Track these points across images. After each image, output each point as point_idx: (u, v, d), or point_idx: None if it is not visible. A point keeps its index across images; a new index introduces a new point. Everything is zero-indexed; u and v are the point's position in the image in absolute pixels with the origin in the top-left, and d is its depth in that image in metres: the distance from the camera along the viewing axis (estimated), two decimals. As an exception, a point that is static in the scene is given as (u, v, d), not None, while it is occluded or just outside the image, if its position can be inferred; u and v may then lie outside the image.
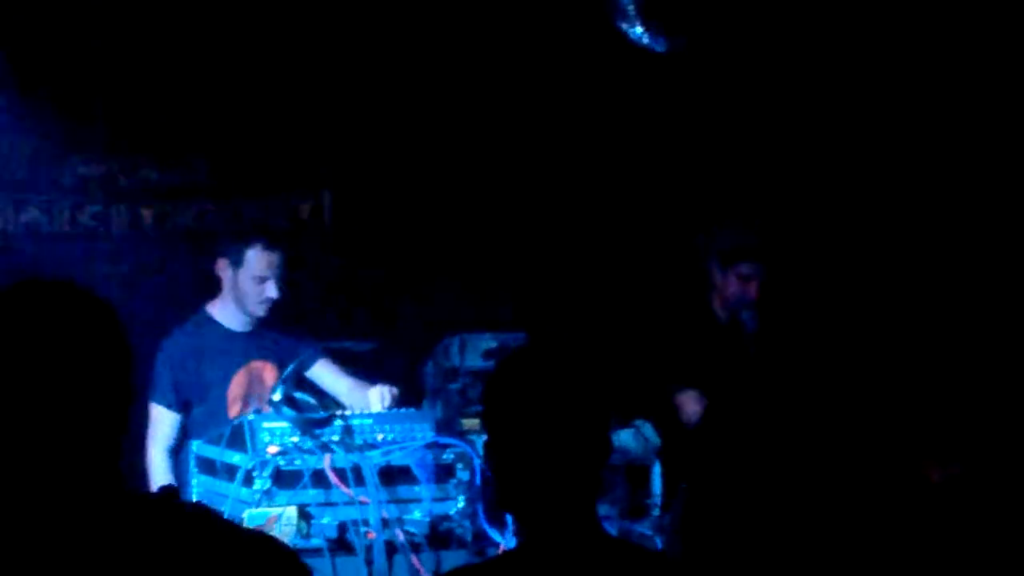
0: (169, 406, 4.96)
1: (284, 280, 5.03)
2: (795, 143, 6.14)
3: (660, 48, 5.52)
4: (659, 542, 4.08)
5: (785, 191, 6.09)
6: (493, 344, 4.36)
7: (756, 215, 5.40)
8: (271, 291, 5.00)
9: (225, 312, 5.08)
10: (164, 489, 1.93)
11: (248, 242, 5.05)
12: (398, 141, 6.26)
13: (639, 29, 5.50)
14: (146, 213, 6.14)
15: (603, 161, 6.29)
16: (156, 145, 6.12)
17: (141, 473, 4.87)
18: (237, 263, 5.01)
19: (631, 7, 5.46)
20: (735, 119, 6.17)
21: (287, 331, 5.12)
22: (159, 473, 4.85)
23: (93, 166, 6.06)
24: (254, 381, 4.99)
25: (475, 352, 4.36)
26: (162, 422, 4.95)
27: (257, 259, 5.00)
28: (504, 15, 6.09)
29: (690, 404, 4.97)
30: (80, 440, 1.83)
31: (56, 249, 5.98)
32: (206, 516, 1.90)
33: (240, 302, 5.03)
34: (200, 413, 4.94)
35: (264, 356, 5.04)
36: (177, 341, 5.05)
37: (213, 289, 5.13)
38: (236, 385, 4.98)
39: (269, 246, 5.04)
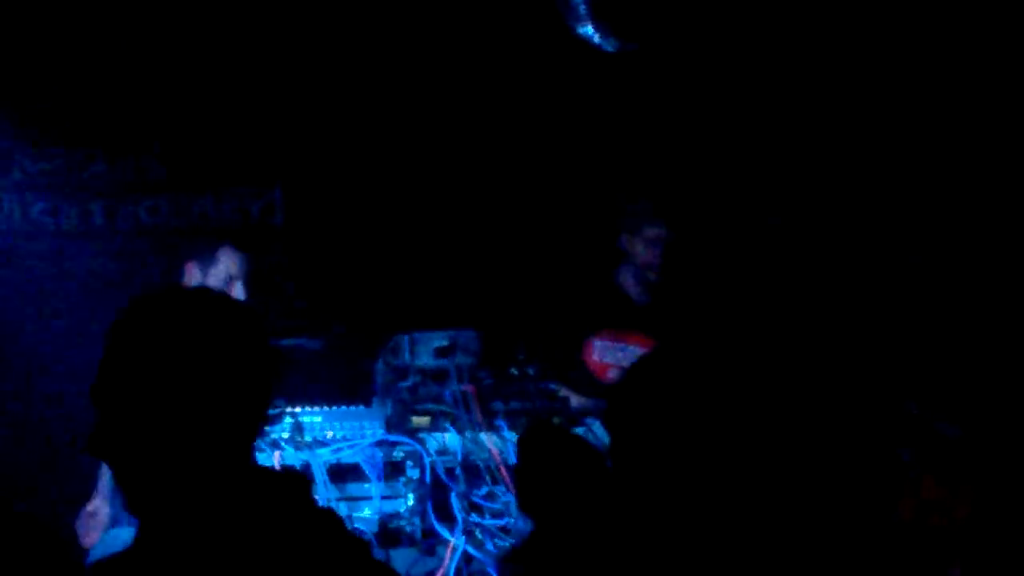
0: None
1: (248, 283, 5.04)
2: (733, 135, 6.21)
3: (610, 48, 5.56)
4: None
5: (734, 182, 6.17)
6: (444, 342, 4.37)
7: (661, 189, 5.47)
8: (238, 292, 5.02)
9: None
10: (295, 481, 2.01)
11: (219, 243, 5.06)
12: (349, 139, 6.26)
13: (590, 28, 5.53)
14: (96, 209, 6.11)
15: (551, 157, 6.32)
16: (107, 140, 6.09)
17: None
18: (207, 264, 5.02)
19: (582, 6, 5.48)
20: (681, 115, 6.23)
21: None
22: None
23: (43, 161, 6.03)
24: None
25: (425, 350, 4.36)
26: None
27: (227, 259, 5.02)
28: (455, 13, 6.10)
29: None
30: (228, 438, 1.93)
31: (4, 245, 5.96)
32: (339, 526, 1.99)
33: None
34: None
35: None
36: None
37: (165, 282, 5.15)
38: None
39: (237, 248, 5.06)
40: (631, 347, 5.17)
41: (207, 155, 6.19)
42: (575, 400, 4.61)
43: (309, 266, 6.23)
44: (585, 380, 5.07)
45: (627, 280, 5.33)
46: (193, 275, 5.08)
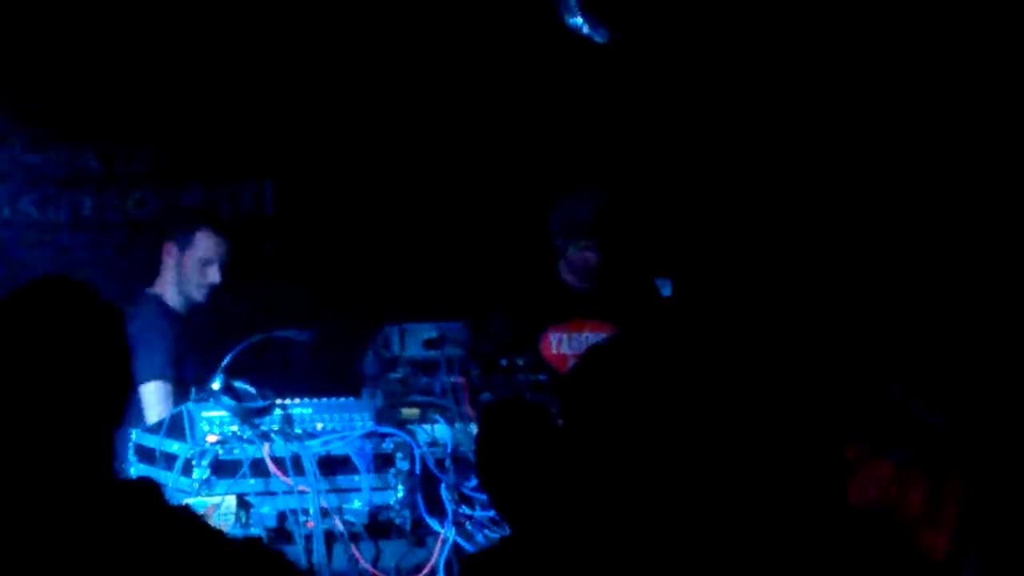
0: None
1: (226, 268, 5.04)
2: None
3: (600, 39, 5.56)
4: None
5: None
6: (433, 333, 4.37)
7: (598, 189, 5.43)
8: (213, 275, 5.03)
9: (168, 295, 5.11)
10: (144, 481, 1.98)
11: (197, 225, 5.07)
12: (339, 130, 6.26)
13: (579, 19, 5.53)
14: (85, 201, 6.10)
15: (540, 150, 6.32)
16: (96, 133, 6.08)
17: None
18: (184, 245, 5.04)
19: None
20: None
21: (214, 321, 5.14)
22: None
23: (32, 153, 6.02)
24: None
25: (415, 341, 4.36)
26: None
27: (204, 241, 5.03)
28: (445, 4, 6.10)
29: None
30: (78, 430, 1.91)
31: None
32: (191, 517, 1.98)
33: (182, 285, 5.05)
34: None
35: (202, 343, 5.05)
36: (132, 321, 5.05)
37: (151, 275, 5.15)
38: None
39: (216, 231, 5.07)
40: (585, 334, 5.19)
41: (197, 147, 6.19)
42: None
43: (299, 257, 6.23)
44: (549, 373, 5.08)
45: (567, 274, 5.32)
46: (172, 255, 5.09)
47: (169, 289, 5.11)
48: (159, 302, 5.13)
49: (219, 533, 1.98)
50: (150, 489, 1.92)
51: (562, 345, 5.22)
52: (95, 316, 1.98)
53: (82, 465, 1.89)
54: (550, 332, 5.23)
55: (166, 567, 1.82)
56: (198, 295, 5.07)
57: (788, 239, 6.03)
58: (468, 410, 4.24)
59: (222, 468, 3.90)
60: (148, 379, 4.94)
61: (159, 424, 4.22)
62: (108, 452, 1.97)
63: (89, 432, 1.91)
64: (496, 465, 3.27)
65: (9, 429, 1.88)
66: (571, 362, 5.07)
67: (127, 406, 2.00)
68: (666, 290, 5.39)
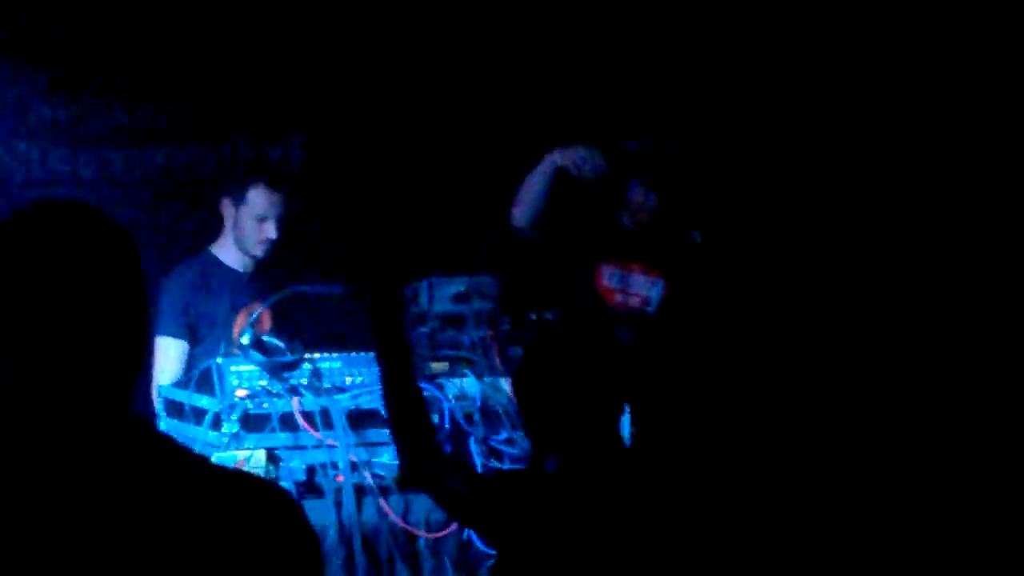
0: (177, 336, 4.97)
1: (283, 222, 5.03)
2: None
3: None
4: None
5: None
6: (462, 288, 4.36)
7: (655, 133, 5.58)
8: (270, 231, 5.02)
9: (227, 253, 5.11)
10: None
11: (250, 181, 5.05)
12: (370, 85, 6.23)
13: None
14: (115, 156, 6.10)
15: (568, 94, 6.30)
16: (126, 89, 6.07)
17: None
18: (239, 201, 5.02)
19: None
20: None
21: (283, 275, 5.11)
22: None
23: (61, 110, 6.01)
24: None
25: (444, 296, 4.35)
26: (168, 354, 4.95)
27: (258, 198, 5.01)
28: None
29: None
30: (94, 371, 1.75)
31: (26, 195, 5.95)
32: (205, 463, 1.86)
33: (240, 242, 5.05)
34: (200, 352, 4.92)
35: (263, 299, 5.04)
36: (182, 275, 5.07)
37: (213, 232, 5.15)
38: (237, 327, 4.98)
39: (271, 186, 5.04)
40: (635, 275, 5.47)
41: (225, 101, 6.17)
42: None
43: (328, 211, 6.21)
44: (599, 308, 5.38)
45: (624, 216, 5.50)
46: (228, 211, 5.08)
47: (228, 246, 5.10)
48: (212, 260, 5.12)
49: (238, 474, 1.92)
50: (168, 440, 1.82)
51: (613, 279, 5.46)
52: (109, 238, 1.79)
53: (99, 406, 1.76)
54: (603, 265, 5.46)
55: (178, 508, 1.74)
56: (258, 251, 5.06)
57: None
58: (497, 364, 4.24)
59: (251, 422, 3.92)
60: (162, 334, 4.95)
61: (188, 378, 4.23)
62: (125, 393, 1.79)
63: (104, 369, 1.76)
64: (537, 379, 3.25)
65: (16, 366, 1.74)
66: (617, 297, 5.44)
67: (146, 348, 1.83)
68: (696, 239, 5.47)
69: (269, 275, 5.11)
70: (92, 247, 1.77)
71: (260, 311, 4.46)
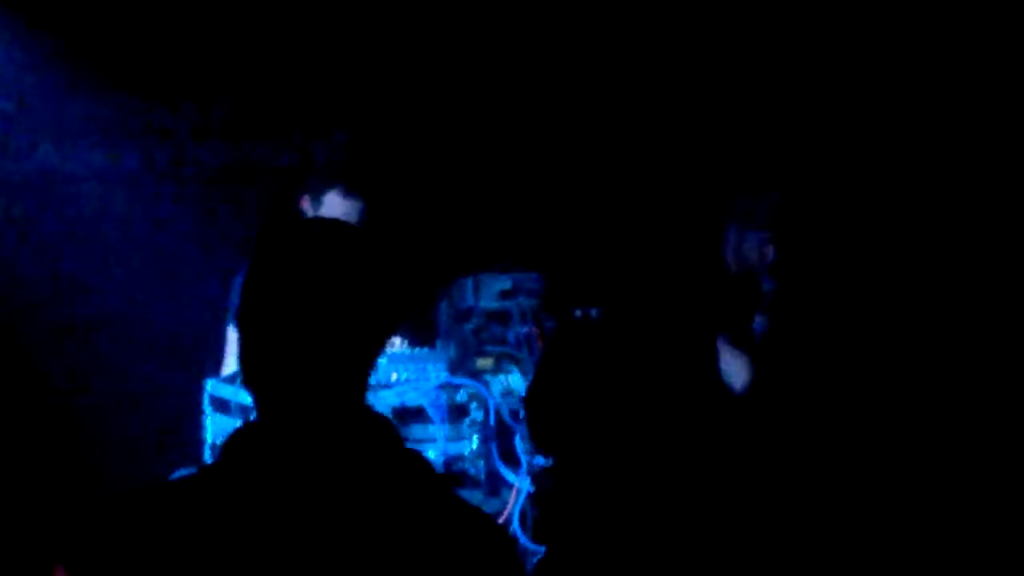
0: None
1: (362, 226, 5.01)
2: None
3: None
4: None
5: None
6: (508, 284, 4.35)
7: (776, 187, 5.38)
8: None
9: None
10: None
11: (328, 184, 5.03)
12: (414, 81, 6.23)
13: None
14: (158, 153, 6.12)
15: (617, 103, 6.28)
16: (168, 85, 6.10)
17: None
18: (316, 203, 5.02)
19: None
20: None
21: None
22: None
23: (105, 106, 6.04)
24: None
25: (489, 292, 4.35)
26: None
27: (334, 203, 4.98)
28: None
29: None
30: (357, 366, 1.99)
31: (69, 190, 5.98)
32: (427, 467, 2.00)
33: None
34: None
35: None
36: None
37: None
38: None
39: (348, 192, 5.01)
40: None
41: (270, 98, 6.18)
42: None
43: (373, 208, 6.21)
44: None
45: (733, 263, 5.11)
46: (306, 211, 5.08)
47: None
48: None
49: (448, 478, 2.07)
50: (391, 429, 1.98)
51: None
52: (373, 253, 1.98)
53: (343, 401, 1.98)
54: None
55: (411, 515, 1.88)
56: None
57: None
58: (542, 360, 4.23)
59: (298, 418, 3.91)
60: (232, 326, 4.96)
61: (234, 375, 4.24)
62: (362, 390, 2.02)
63: (359, 372, 2.00)
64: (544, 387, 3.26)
65: (296, 364, 1.94)
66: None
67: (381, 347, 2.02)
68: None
69: None
70: (353, 258, 1.96)
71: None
